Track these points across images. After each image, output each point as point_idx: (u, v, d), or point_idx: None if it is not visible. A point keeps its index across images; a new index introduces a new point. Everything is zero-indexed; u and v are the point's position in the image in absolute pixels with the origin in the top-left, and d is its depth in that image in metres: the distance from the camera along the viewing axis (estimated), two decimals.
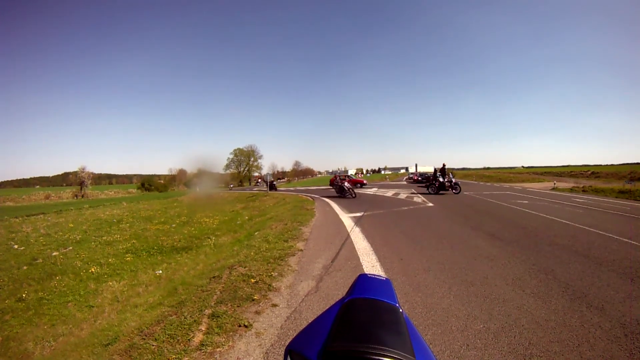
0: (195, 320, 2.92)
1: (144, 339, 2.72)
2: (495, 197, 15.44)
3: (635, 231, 6.87)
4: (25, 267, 8.30)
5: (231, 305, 3.25)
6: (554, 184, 29.89)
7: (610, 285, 3.69)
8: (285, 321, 2.93)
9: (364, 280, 0.87)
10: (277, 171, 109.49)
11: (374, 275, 0.92)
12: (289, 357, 0.64)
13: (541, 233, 6.64)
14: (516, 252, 5.12)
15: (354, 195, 16.20)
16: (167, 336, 2.69)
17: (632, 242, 5.86)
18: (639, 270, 4.18)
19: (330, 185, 30.07)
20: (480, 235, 6.49)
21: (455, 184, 17.09)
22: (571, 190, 22.55)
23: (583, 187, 23.95)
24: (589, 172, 49.61)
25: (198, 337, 2.64)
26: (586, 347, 2.43)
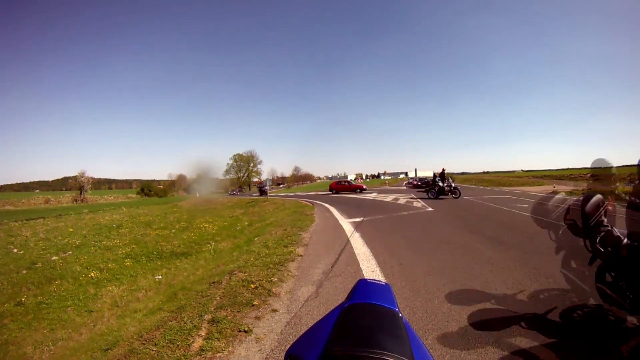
0: (195, 326, 2.91)
1: (144, 344, 2.71)
2: (495, 201, 15.45)
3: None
4: (24, 271, 8.28)
5: (231, 310, 3.25)
6: (554, 187, 29.94)
7: None
8: (285, 326, 2.92)
9: (363, 285, 0.88)
10: (277, 177, 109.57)
11: (374, 280, 0.93)
12: None
13: (541, 236, 6.62)
14: (516, 256, 5.11)
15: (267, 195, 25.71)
16: (166, 341, 2.68)
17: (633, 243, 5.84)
18: None
19: (329, 190, 30.29)
20: (480, 239, 6.49)
21: (455, 188, 17.08)
22: (571, 193, 22.57)
23: (582, 189, 23.99)
24: (589, 175, 49.65)
25: (198, 343, 2.63)
26: None
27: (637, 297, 2.39)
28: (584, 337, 2.60)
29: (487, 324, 2.84)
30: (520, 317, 2.94)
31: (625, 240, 2.53)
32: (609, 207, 2.85)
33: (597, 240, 2.69)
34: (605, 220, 2.76)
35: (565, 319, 2.90)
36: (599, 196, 2.84)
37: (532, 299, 3.37)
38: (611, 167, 3.33)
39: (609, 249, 2.61)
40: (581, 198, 2.91)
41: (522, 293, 3.52)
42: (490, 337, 2.60)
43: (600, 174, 3.50)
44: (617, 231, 2.65)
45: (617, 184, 3.27)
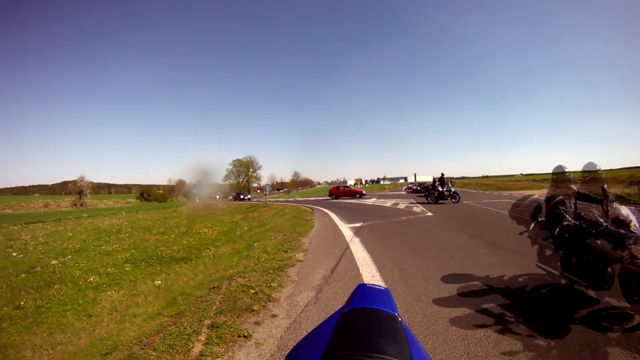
0: (194, 331, 2.92)
1: (143, 349, 2.71)
2: (495, 206, 15.44)
3: None
4: (23, 275, 8.26)
5: (231, 315, 3.25)
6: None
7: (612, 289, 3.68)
8: (285, 331, 2.92)
9: (363, 290, 0.90)
10: (276, 182, 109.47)
11: (373, 285, 0.95)
12: None
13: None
14: (516, 260, 5.11)
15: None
16: (166, 346, 2.68)
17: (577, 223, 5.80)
18: None
19: (329, 195, 30.10)
20: (480, 243, 6.48)
21: (454, 192, 17.08)
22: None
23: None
24: (588, 178, 49.55)
25: (197, 348, 2.63)
26: (587, 352, 2.43)
27: (592, 274, 2.92)
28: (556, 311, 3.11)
29: (487, 328, 2.85)
30: (521, 318, 2.94)
31: (572, 222, 3.13)
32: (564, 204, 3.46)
33: (557, 231, 3.27)
34: (567, 215, 3.27)
35: (543, 297, 3.51)
36: (560, 197, 3.52)
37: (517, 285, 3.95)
38: (569, 171, 3.95)
39: (567, 235, 3.19)
40: (544, 199, 3.70)
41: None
42: (490, 341, 2.61)
43: (559, 178, 3.94)
44: (571, 220, 3.19)
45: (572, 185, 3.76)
